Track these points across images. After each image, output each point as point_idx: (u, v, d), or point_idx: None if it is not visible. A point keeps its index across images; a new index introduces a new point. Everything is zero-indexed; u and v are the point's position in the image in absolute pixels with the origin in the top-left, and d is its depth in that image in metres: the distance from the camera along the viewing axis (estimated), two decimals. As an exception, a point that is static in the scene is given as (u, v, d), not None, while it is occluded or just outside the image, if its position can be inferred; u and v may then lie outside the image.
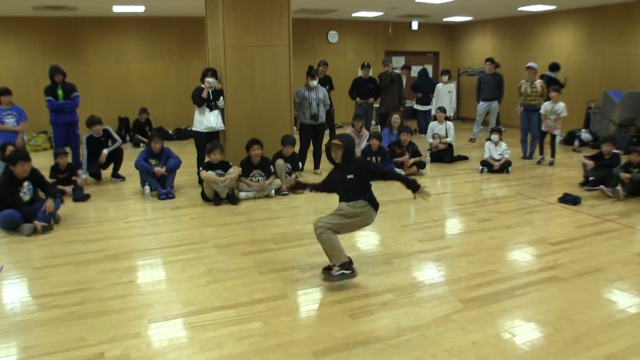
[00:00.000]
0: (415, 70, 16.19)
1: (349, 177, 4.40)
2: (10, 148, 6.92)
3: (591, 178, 7.48)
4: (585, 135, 11.23)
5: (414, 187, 4.43)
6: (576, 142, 11.07)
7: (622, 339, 3.40)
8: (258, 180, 7.29)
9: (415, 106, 12.49)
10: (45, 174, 6.60)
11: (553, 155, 9.28)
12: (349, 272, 4.24)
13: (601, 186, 7.12)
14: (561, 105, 8.99)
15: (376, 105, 11.53)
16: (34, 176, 6.12)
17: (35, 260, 5.04)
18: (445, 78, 11.55)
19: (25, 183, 6.08)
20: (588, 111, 11.75)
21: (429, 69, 15.57)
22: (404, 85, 11.17)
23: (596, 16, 11.87)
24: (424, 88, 12.42)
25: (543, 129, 9.26)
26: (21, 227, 5.77)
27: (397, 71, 11.44)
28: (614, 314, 3.76)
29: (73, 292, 4.25)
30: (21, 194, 6.03)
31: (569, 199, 6.78)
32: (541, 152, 9.48)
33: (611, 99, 10.88)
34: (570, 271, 4.55)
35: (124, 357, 3.26)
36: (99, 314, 3.84)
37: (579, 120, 11.91)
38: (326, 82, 10.39)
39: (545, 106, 9.18)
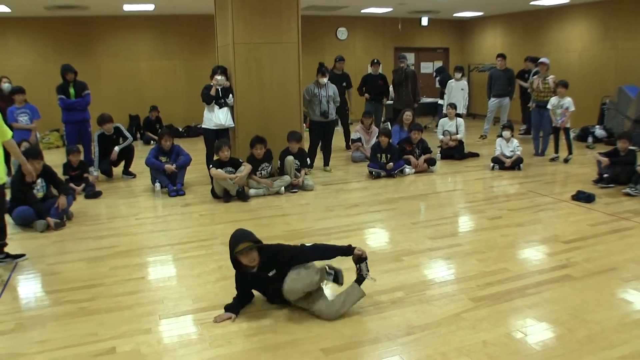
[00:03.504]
0: (425, 67, 16.25)
1: (270, 274, 3.69)
2: (25, 145, 6.99)
3: (605, 175, 7.39)
4: (599, 131, 11.11)
5: (348, 252, 3.80)
6: (590, 139, 10.95)
7: (637, 340, 3.35)
8: (266, 171, 7.33)
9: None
10: (58, 171, 6.64)
11: (570, 151, 9.18)
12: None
13: (627, 189, 6.99)
14: (568, 99, 8.91)
15: (388, 102, 11.48)
16: (47, 173, 6.17)
17: (48, 256, 5.07)
18: (459, 75, 11.48)
19: (39, 180, 6.14)
20: (602, 107, 11.61)
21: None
22: (418, 82, 11.11)
23: (610, 10, 11.72)
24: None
25: (553, 124, 9.19)
26: (34, 223, 5.82)
27: (412, 67, 11.39)
28: (629, 314, 3.70)
29: (85, 287, 4.28)
30: (34, 191, 6.09)
31: (582, 197, 6.70)
32: (556, 151, 9.36)
33: (626, 94, 10.74)
34: (583, 270, 4.50)
35: (135, 353, 3.28)
36: (110, 310, 3.87)
37: (592, 116, 11.79)
38: (343, 79, 10.33)
39: (552, 101, 9.11)
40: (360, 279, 3.81)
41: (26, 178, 5.17)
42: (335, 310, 3.66)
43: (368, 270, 3.83)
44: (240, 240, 3.61)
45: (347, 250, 3.80)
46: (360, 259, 3.82)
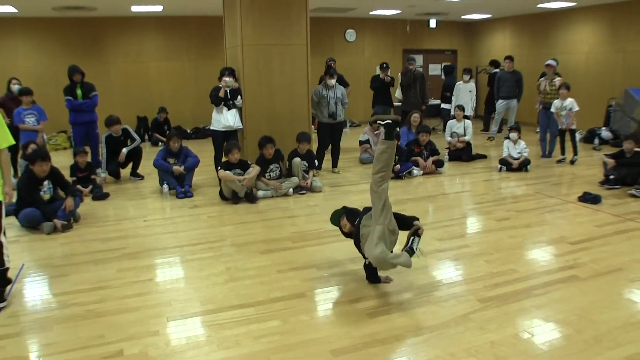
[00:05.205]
0: (433, 69, 16.21)
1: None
2: (32, 146, 7.02)
3: (612, 177, 7.39)
4: (605, 133, 11.08)
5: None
6: (596, 141, 10.93)
7: (644, 340, 3.34)
8: (275, 173, 7.35)
9: (443, 105, 12.44)
10: (65, 173, 6.66)
11: (576, 152, 9.17)
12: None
13: (632, 190, 6.99)
14: (570, 100, 8.90)
15: (397, 103, 11.48)
16: (54, 175, 6.19)
17: (55, 258, 5.09)
18: (467, 77, 11.48)
19: (46, 182, 6.15)
20: (608, 109, 11.59)
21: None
22: (427, 84, 11.10)
23: (618, 12, 11.68)
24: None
25: (559, 127, 9.17)
26: (41, 225, 5.84)
27: (420, 69, 11.37)
28: (636, 314, 3.70)
29: (92, 290, 4.29)
30: (41, 193, 6.11)
31: (588, 198, 6.69)
32: (562, 152, 9.33)
33: (632, 96, 10.71)
34: (590, 271, 4.49)
35: (143, 355, 3.29)
36: (118, 312, 3.87)
37: (599, 118, 11.76)
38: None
39: (555, 104, 9.10)
40: (410, 251, 3.92)
41: (4, 199, 4.07)
42: (375, 254, 3.80)
43: (417, 248, 3.95)
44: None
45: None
46: (416, 232, 4.01)
